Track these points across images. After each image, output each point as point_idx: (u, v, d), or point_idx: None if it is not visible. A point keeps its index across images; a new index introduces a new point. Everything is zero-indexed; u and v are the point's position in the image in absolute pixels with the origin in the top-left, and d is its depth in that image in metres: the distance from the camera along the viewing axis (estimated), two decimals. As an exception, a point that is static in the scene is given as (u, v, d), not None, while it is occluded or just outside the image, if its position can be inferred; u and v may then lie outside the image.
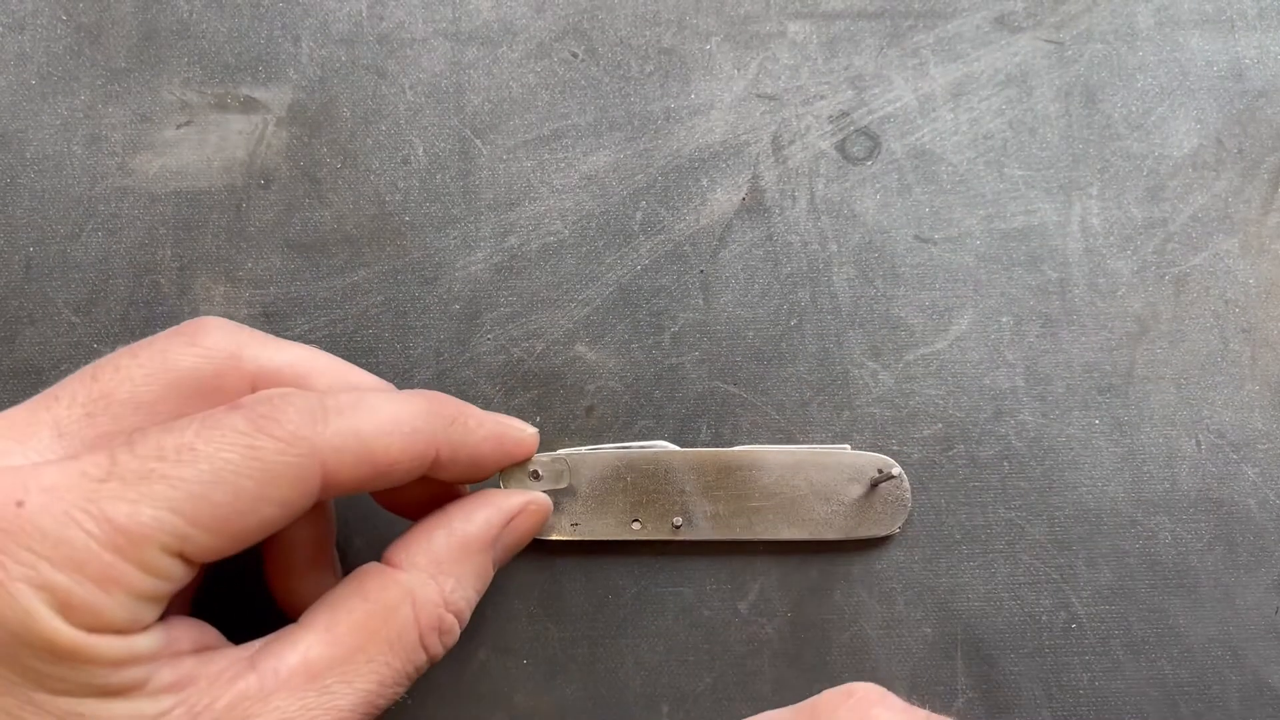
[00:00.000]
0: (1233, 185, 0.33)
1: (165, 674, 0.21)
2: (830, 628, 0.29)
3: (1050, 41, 0.34)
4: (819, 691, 0.29)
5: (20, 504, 0.19)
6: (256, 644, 0.22)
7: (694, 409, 0.31)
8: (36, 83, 0.34)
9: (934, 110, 0.34)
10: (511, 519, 0.26)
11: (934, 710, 0.28)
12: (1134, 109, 0.34)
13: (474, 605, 0.25)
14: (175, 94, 0.34)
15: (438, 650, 0.24)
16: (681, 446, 0.30)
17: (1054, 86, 0.34)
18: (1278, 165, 0.33)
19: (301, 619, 0.23)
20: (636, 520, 0.29)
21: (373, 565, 0.24)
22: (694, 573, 0.30)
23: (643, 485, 0.30)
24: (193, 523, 0.20)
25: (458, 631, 0.25)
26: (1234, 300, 0.32)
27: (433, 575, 0.24)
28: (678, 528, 0.29)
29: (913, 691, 0.29)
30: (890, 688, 0.29)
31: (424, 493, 0.27)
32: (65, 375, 0.31)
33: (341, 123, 0.34)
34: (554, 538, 0.29)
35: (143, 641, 0.20)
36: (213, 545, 0.21)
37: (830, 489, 0.30)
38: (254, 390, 0.23)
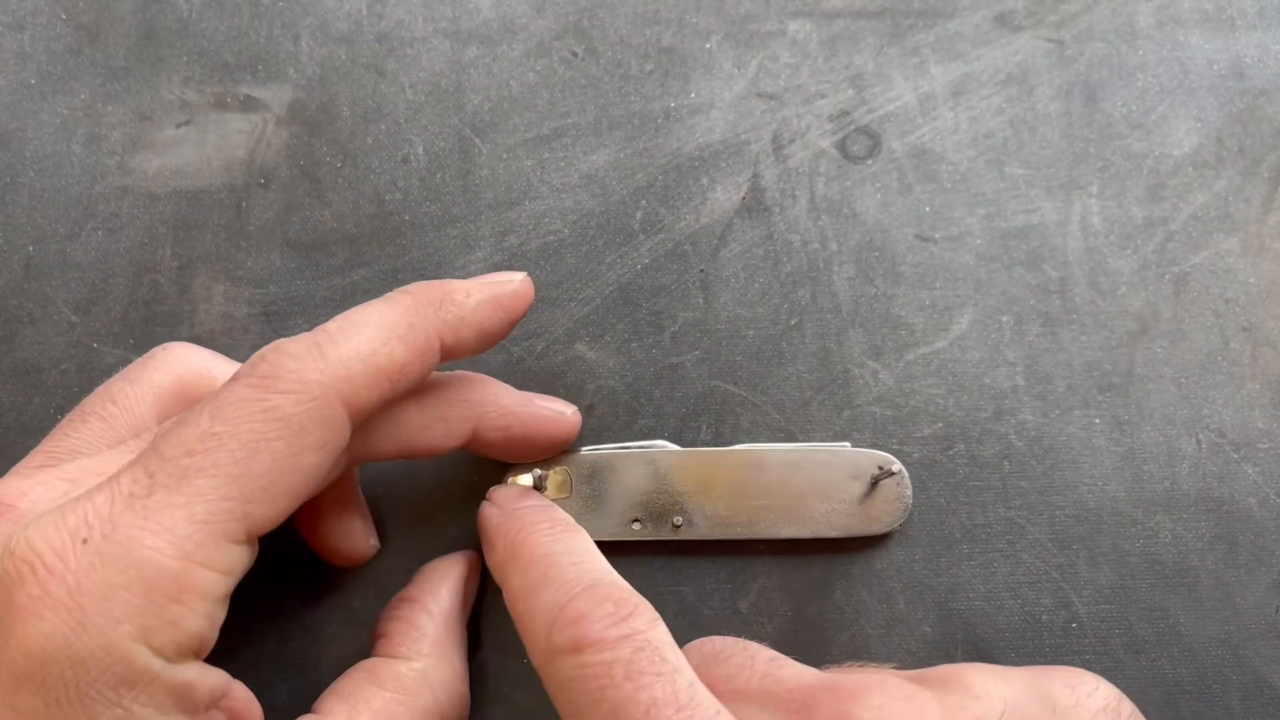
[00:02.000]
0: (1233, 184, 0.33)
1: None
2: (830, 627, 0.29)
3: (1051, 40, 0.34)
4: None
5: (85, 541, 0.19)
6: None
7: (694, 408, 0.31)
8: (36, 82, 0.34)
9: (934, 109, 0.34)
10: (466, 582, 0.28)
11: None
12: (1134, 108, 0.34)
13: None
14: (175, 93, 0.34)
15: None
16: (681, 446, 0.30)
17: (1054, 85, 0.34)
18: (1278, 164, 0.33)
19: (318, 707, 0.24)
20: (636, 520, 0.29)
21: (376, 659, 0.25)
22: (694, 572, 0.30)
23: (643, 485, 0.30)
24: (245, 500, 0.20)
25: (468, 703, 0.27)
26: (1234, 299, 0.32)
27: (440, 657, 0.26)
28: (678, 527, 0.29)
29: (913, 691, 0.29)
30: (890, 687, 0.29)
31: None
32: (65, 375, 0.31)
33: (341, 122, 0.34)
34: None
35: (210, 681, 0.21)
36: (272, 512, 0.21)
37: (830, 487, 0.29)
38: (343, 400, 0.23)
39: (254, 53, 0.34)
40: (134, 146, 0.34)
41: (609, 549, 0.30)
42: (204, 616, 0.20)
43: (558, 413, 0.28)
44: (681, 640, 0.29)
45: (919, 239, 0.32)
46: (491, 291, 0.25)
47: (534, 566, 0.23)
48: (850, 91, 0.34)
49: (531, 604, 0.22)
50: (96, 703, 0.19)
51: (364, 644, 0.28)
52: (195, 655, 0.20)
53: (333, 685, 0.25)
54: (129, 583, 0.19)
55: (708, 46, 0.35)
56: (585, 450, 0.30)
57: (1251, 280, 0.32)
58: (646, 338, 0.32)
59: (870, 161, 0.33)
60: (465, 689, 0.26)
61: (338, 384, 0.21)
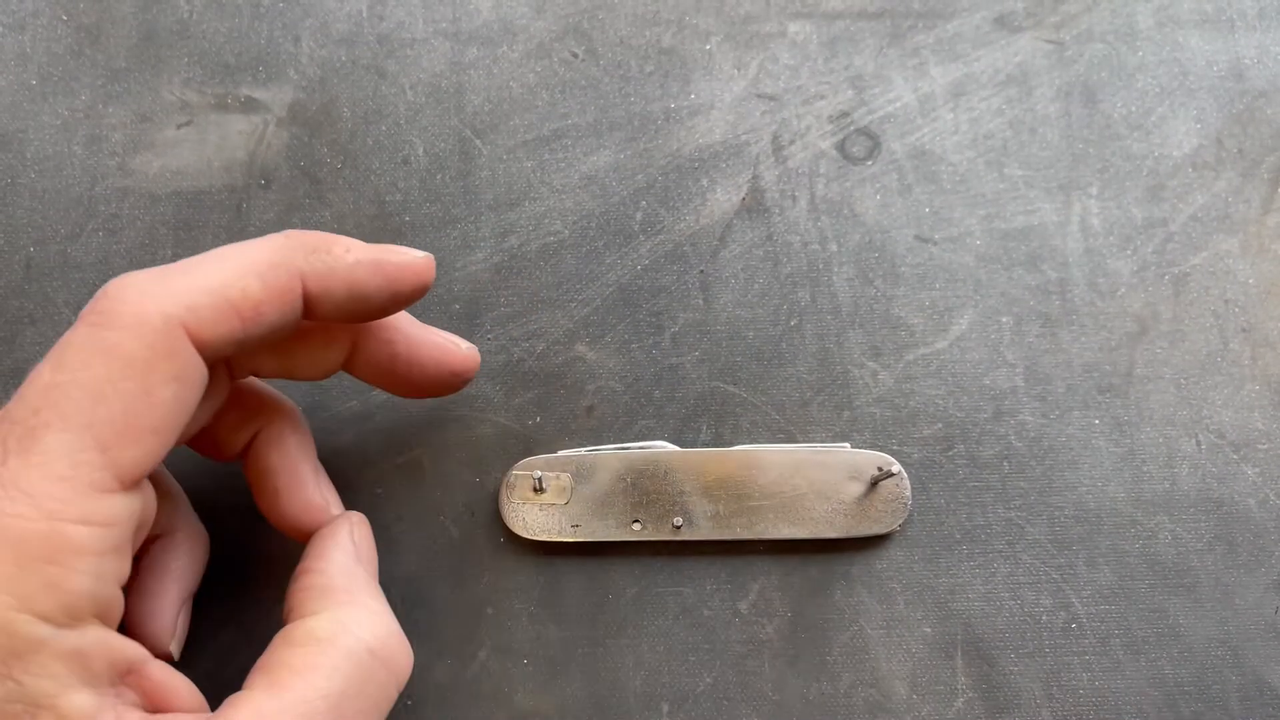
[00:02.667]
0: (1233, 185, 0.33)
1: (109, 718, 0.20)
2: (830, 627, 0.29)
3: (1050, 41, 0.34)
4: (818, 691, 0.29)
5: None
6: (208, 716, 0.21)
7: (694, 409, 0.31)
8: (37, 83, 0.34)
9: (934, 110, 0.34)
10: (353, 535, 0.26)
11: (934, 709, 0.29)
12: (1134, 109, 0.34)
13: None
14: (175, 94, 0.34)
15: (403, 661, 0.24)
16: (681, 446, 0.30)
17: (1054, 86, 0.34)
18: (1278, 165, 0.33)
19: (244, 684, 0.22)
20: (637, 520, 0.29)
21: (290, 625, 0.24)
22: (694, 573, 0.30)
23: (643, 485, 0.30)
24: (104, 448, 0.19)
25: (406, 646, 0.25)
26: (1234, 300, 0.32)
27: (351, 604, 0.24)
28: (678, 528, 0.29)
29: (913, 691, 0.29)
30: (890, 687, 0.29)
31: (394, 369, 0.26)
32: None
33: (341, 123, 0.34)
34: (554, 539, 0.29)
35: (116, 644, 0.20)
36: (140, 453, 0.20)
37: (830, 487, 0.30)
38: (188, 332, 0.22)
39: (254, 54, 0.35)
40: (135, 147, 0.34)
41: (609, 549, 0.30)
42: (88, 575, 0.19)
43: (452, 342, 0.27)
44: (680, 639, 0.29)
45: (919, 240, 0.33)
46: (376, 255, 0.24)
47: None
48: (850, 92, 0.34)
49: None
50: None
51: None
52: (96, 618, 0.20)
53: (256, 662, 0.23)
54: (17, 558, 0.18)
55: (708, 47, 0.35)
56: (585, 450, 0.30)
57: (1251, 281, 0.32)
58: (646, 338, 0.32)
59: (870, 162, 0.33)
60: (394, 627, 0.24)
61: (182, 314, 0.20)
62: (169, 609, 0.25)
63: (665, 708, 0.29)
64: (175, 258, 0.32)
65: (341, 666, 0.22)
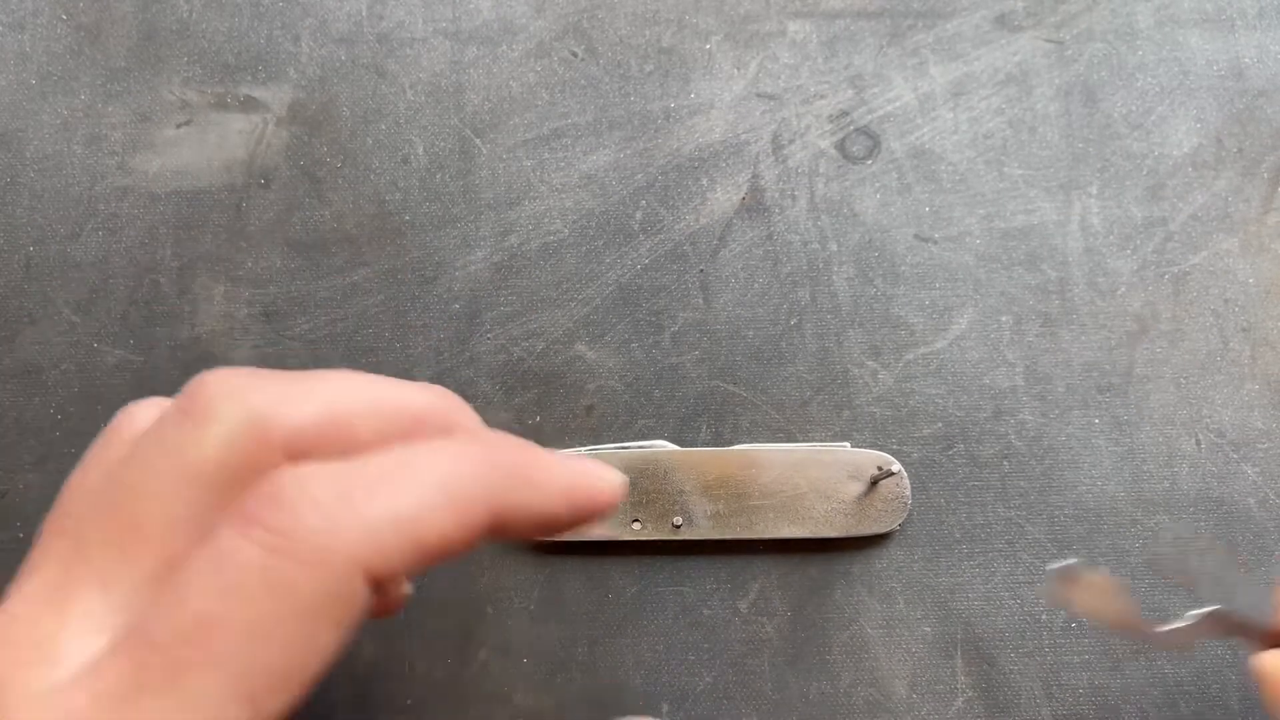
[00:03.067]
0: (1232, 184, 0.33)
1: None
2: (830, 627, 0.29)
3: (1050, 41, 0.34)
4: (818, 690, 0.29)
5: None
6: None
7: (694, 408, 0.31)
8: (36, 82, 0.34)
9: (934, 109, 0.34)
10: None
11: (933, 708, 0.29)
12: (1134, 108, 0.34)
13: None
14: (175, 93, 0.34)
15: None
16: (681, 446, 0.30)
17: (1054, 86, 0.34)
18: (1277, 164, 0.33)
19: None
20: (636, 520, 0.29)
21: None
22: (694, 572, 0.30)
23: (643, 485, 0.30)
24: (252, 698, 0.17)
25: None
26: (1233, 299, 0.32)
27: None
28: (678, 527, 0.29)
29: (913, 690, 0.29)
30: (890, 686, 0.29)
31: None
32: (65, 375, 0.31)
33: (341, 122, 0.34)
34: (554, 539, 0.29)
35: None
36: (279, 704, 0.17)
37: (830, 487, 0.30)
38: (287, 458, 0.20)
39: (254, 53, 0.35)
40: (134, 147, 0.34)
41: (609, 549, 0.30)
42: None
43: (587, 478, 0.22)
44: (680, 639, 0.29)
45: (919, 239, 0.33)
46: (573, 483, 0.21)
47: None
48: (850, 92, 0.34)
49: None
50: None
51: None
52: None
53: None
54: None
55: (708, 47, 0.35)
56: (585, 450, 0.30)
57: (1251, 280, 0.32)
58: (646, 338, 0.32)
59: (870, 162, 0.33)
60: None
61: (369, 557, 0.17)
62: None
63: (665, 707, 0.29)
64: (175, 257, 0.32)
65: None
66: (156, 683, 0.16)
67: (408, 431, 0.20)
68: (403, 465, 0.18)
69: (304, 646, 0.17)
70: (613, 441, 0.31)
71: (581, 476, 0.21)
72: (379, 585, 0.18)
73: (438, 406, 0.21)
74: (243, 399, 0.19)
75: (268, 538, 0.17)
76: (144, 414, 0.21)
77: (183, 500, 0.19)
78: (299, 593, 0.17)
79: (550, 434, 0.31)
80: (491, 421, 0.31)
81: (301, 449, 0.19)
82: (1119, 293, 0.32)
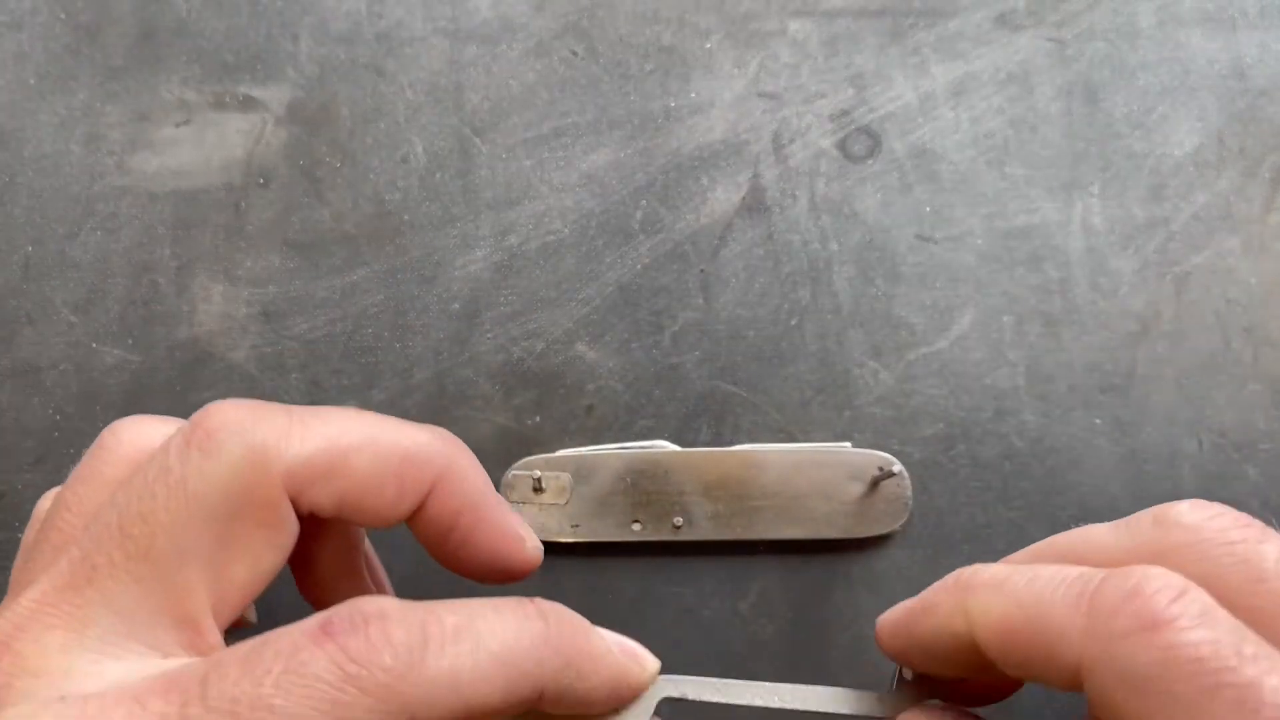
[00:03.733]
0: (1234, 184, 0.33)
1: None
2: (831, 628, 0.29)
3: (1051, 40, 0.34)
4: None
5: None
6: None
7: (694, 409, 0.31)
8: (35, 81, 0.34)
9: (935, 109, 0.34)
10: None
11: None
12: (1135, 107, 0.34)
13: None
14: (174, 93, 0.34)
15: None
16: (681, 446, 0.30)
17: (1055, 85, 0.34)
18: (1279, 164, 0.33)
19: None
20: (637, 521, 0.29)
21: None
22: (694, 573, 0.30)
23: (643, 485, 0.29)
24: None
25: None
26: (1236, 299, 0.32)
27: None
28: (678, 528, 0.29)
29: (914, 692, 0.29)
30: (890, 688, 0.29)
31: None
32: (64, 375, 0.31)
33: (340, 121, 0.34)
34: (554, 539, 0.29)
35: None
36: None
37: (831, 487, 0.29)
38: (287, 491, 0.20)
39: (253, 52, 0.34)
40: (133, 146, 0.33)
41: (609, 549, 0.30)
42: None
43: (518, 535, 0.24)
44: (681, 640, 0.29)
45: (919, 239, 0.32)
46: (619, 674, 0.22)
47: (1008, 578, 0.20)
48: (851, 91, 0.34)
49: (1042, 599, 0.19)
50: None
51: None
52: None
53: None
54: None
55: (708, 46, 0.34)
56: (585, 450, 0.30)
57: (1253, 280, 0.32)
58: (646, 338, 0.32)
59: (871, 161, 0.33)
60: None
61: (418, 705, 0.18)
62: None
63: (665, 709, 0.29)
64: (173, 257, 0.32)
65: None
66: None
67: (401, 471, 0.21)
68: (470, 625, 0.19)
69: None
70: (613, 442, 0.30)
71: (625, 667, 0.22)
72: None
73: (434, 447, 0.22)
74: (247, 432, 0.20)
75: (344, 660, 0.17)
76: (133, 432, 0.22)
77: (191, 533, 0.19)
78: (352, 718, 0.17)
79: (550, 434, 0.31)
80: (491, 422, 0.31)
81: (299, 484, 0.20)
82: (1121, 293, 0.32)
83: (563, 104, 0.34)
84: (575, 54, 0.35)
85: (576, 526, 0.29)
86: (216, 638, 0.20)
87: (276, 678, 0.17)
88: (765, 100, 0.34)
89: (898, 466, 0.29)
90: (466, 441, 0.31)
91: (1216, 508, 0.20)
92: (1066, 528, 0.30)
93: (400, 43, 0.34)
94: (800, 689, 0.23)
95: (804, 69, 0.34)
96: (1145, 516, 0.21)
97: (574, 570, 0.30)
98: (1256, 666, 0.16)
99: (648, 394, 0.31)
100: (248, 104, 0.34)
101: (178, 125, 0.34)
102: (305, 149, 0.33)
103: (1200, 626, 0.17)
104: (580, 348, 0.32)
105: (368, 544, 0.26)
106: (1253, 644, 0.17)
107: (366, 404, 0.31)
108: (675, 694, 0.23)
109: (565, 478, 0.29)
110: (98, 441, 0.22)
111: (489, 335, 0.32)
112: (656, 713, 0.23)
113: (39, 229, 0.33)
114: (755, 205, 0.33)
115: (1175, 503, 0.21)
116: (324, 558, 0.25)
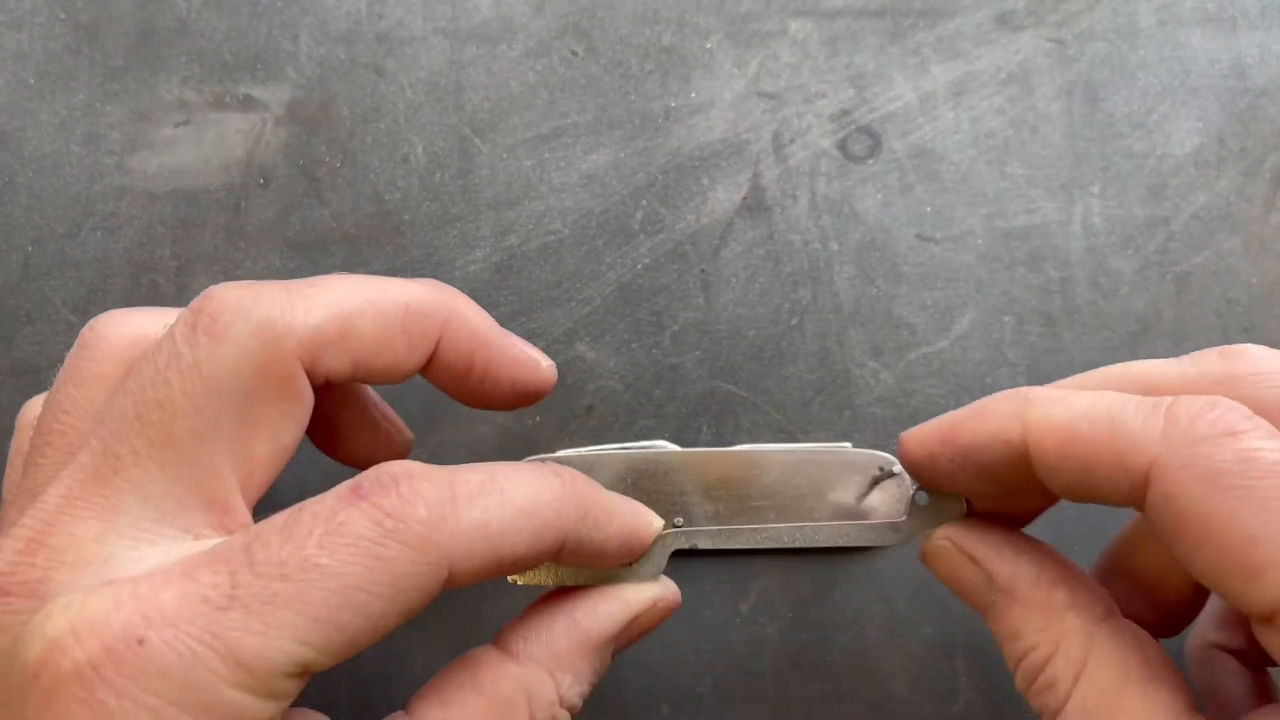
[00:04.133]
0: (1235, 184, 0.33)
1: None
2: (831, 628, 0.29)
3: (1052, 40, 0.34)
4: (819, 691, 0.29)
5: (142, 642, 0.17)
6: None
7: (694, 409, 0.31)
8: (34, 81, 0.34)
9: (935, 109, 0.34)
10: (637, 617, 0.24)
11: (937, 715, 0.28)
12: (1136, 107, 0.34)
13: (586, 697, 0.24)
14: (173, 92, 0.34)
15: None
16: (682, 446, 0.30)
17: (1056, 85, 0.34)
18: (1279, 164, 0.33)
19: (414, 707, 0.22)
20: (637, 520, 0.29)
21: (486, 652, 0.23)
22: (694, 573, 0.30)
23: (643, 485, 0.29)
24: (320, 649, 0.18)
25: None
26: (1236, 299, 0.32)
27: (550, 670, 0.23)
28: (678, 527, 0.29)
29: (914, 691, 0.29)
30: (890, 688, 0.29)
31: None
32: (63, 375, 0.31)
33: (340, 121, 0.34)
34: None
35: None
36: (333, 663, 0.19)
37: (831, 487, 0.29)
38: (302, 362, 0.21)
39: (253, 52, 0.34)
40: (132, 146, 0.33)
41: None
42: None
43: (530, 358, 0.25)
44: (681, 640, 0.29)
45: (920, 239, 0.32)
46: (629, 528, 0.23)
47: (1067, 396, 0.21)
48: (851, 91, 0.34)
49: (1111, 409, 0.20)
50: None
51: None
52: None
53: (434, 679, 0.23)
54: (184, 702, 0.17)
55: (708, 46, 0.34)
56: (586, 451, 0.30)
57: (1253, 280, 0.32)
58: (646, 338, 0.32)
59: (871, 161, 0.33)
60: (565, 715, 0.23)
61: (455, 554, 0.19)
62: None
63: (665, 708, 0.29)
64: (173, 257, 0.32)
65: None
66: (247, 600, 0.17)
67: (407, 325, 0.22)
68: (495, 483, 0.20)
69: (377, 619, 0.18)
70: (613, 441, 0.30)
71: (634, 519, 0.24)
72: (452, 584, 0.19)
73: (434, 297, 0.23)
74: (252, 311, 0.20)
75: (381, 517, 0.18)
76: (115, 326, 0.22)
77: (210, 415, 0.19)
78: (396, 570, 0.18)
79: (550, 434, 0.31)
80: (491, 422, 0.31)
81: (312, 353, 0.21)
82: (1121, 293, 0.32)
83: (563, 104, 0.34)
84: (575, 54, 0.35)
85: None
86: (246, 517, 0.20)
87: (319, 539, 0.18)
88: (765, 100, 0.34)
89: (898, 467, 0.29)
90: (466, 442, 0.31)
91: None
92: (1068, 527, 0.30)
93: (400, 43, 0.34)
94: (805, 527, 0.26)
95: (804, 69, 0.34)
96: (1212, 351, 0.22)
97: (574, 570, 0.30)
98: None
99: (648, 394, 0.31)
100: (248, 104, 0.34)
101: (178, 125, 0.34)
102: (305, 149, 0.33)
103: (1274, 439, 0.18)
104: (580, 348, 0.32)
105: (374, 394, 0.27)
106: None
107: (366, 404, 0.31)
108: (685, 545, 0.26)
109: None
110: (79, 341, 0.22)
111: (489, 335, 0.32)
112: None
113: (39, 229, 0.33)
114: (755, 205, 0.33)
115: (1242, 345, 0.21)
116: (341, 420, 0.25)
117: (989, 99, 0.34)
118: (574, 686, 0.23)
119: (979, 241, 0.32)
